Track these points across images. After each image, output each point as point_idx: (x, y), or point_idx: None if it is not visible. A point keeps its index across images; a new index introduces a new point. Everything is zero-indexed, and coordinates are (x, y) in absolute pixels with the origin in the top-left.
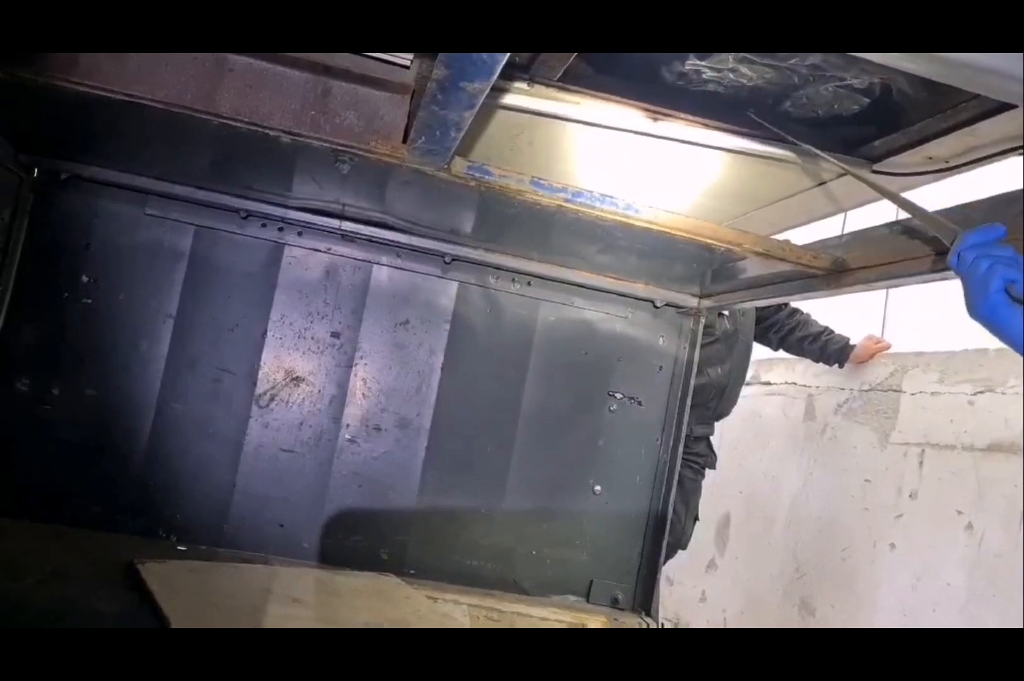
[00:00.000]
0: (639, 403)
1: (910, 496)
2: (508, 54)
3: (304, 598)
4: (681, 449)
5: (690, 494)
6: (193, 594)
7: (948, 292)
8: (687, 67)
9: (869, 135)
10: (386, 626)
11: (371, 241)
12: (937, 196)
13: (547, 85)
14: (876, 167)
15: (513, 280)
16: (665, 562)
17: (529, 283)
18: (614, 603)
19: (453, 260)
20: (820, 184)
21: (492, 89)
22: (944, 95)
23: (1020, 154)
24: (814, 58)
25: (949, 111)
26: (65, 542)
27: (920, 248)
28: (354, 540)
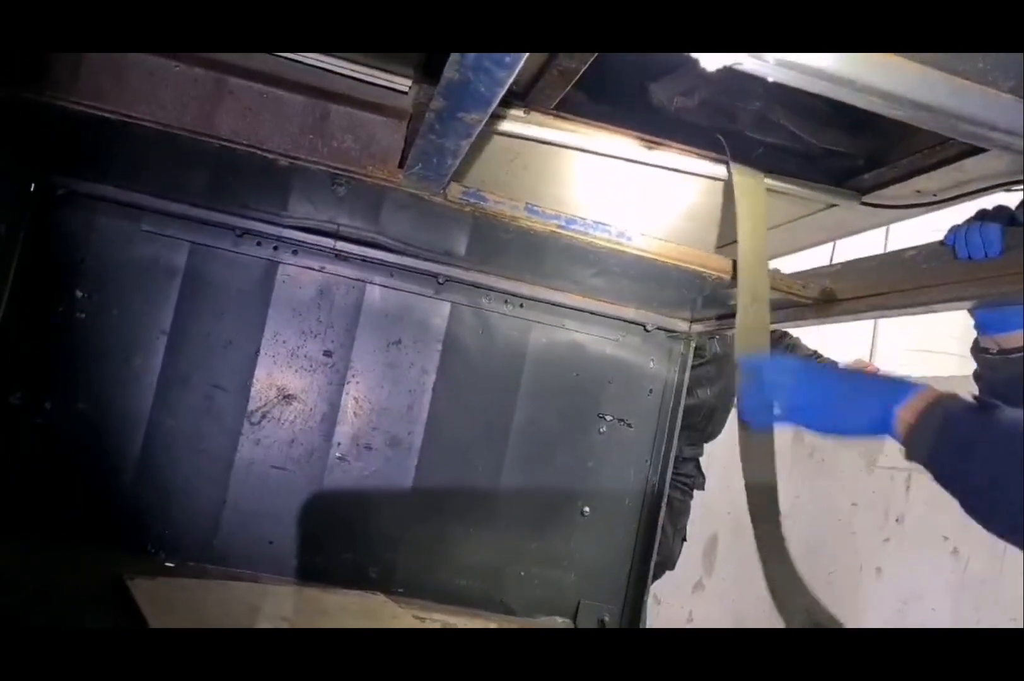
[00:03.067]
0: (629, 425)
1: (897, 520)
2: (506, 87)
3: (292, 617)
4: (670, 472)
5: (678, 514)
6: (182, 612)
7: (937, 319)
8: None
9: (858, 168)
10: None
11: (365, 261)
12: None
13: (543, 113)
14: (865, 199)
15: (506, 301)
16: (653, 582)
17: (521, 305)
18: (601, 624)
19: (446, 281)
20: (812, 213)
21: (489, 116)
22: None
23: (1006, 190)
24: None
25: (937, 147)
26: (53, 557)
27: (907, 280)
28: (343, 558)
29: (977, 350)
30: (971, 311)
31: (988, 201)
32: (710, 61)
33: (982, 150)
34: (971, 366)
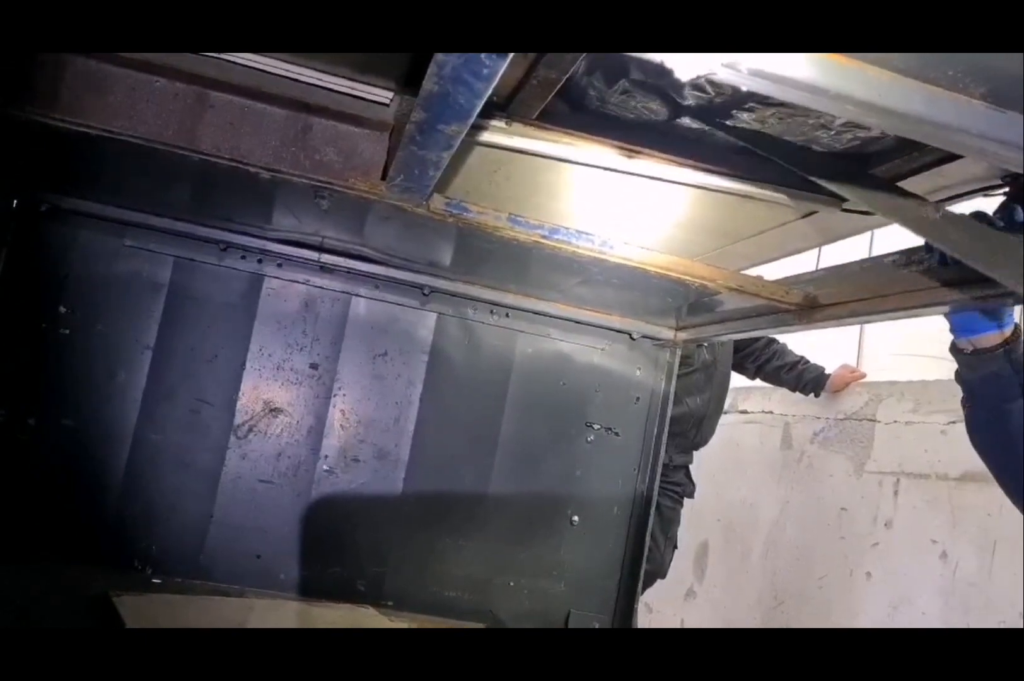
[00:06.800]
0: (616, 434)
1: (885, 525)
2: (485, 98)
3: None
4: (658, 480)
5: (669, 523)
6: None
7: (922, 323)
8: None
9: (840, 174)
10: None
11: (350, 273)
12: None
13: (525, 123)
14: (846, 206)
15: (491, 312)
16: (644, 591)
17: (507, 315)
18: None
19: (431, 292)
20: (794, 220)
21: (471, 127)
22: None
23: (985, 195)
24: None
25: (916, 153)
26: (39, 574)
27: (889, 286)
28: (331, 571)
29: (954, 351)
30: (946, 315)
31: (968, 206)
32: (683, 70)
33: (960, 156)
34: (953, 369)
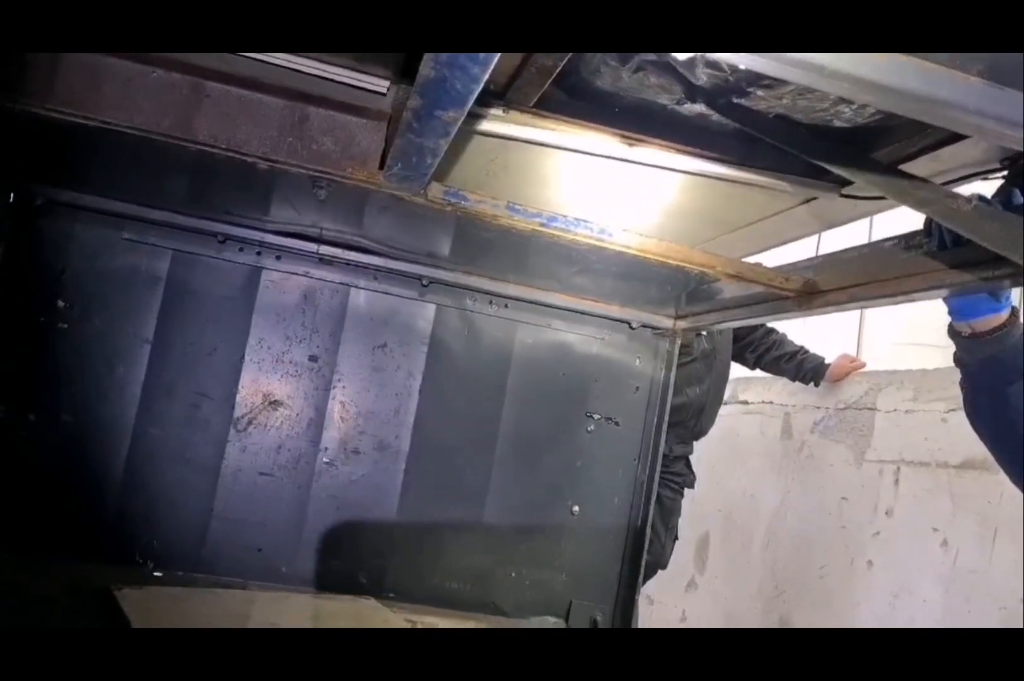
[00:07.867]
0: (616, 424)
1: (886, 513)
2: (482, 84)
3: (282, 623)
4: (659, 469)
5: (669, 514)
6: (171, 621)
7: (921, 311)
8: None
9: (845, 158)
10: None
11: (349, 264)
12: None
13: (522, 111)
14: (845, 191)
15: (490, 302)
16: (645, 582)
17: (506, 305)
18: (593, 624)
19: (430, 283)
20: (793, 207)
21: (468, 115)
22: (910, 121)
23: (983, 179)
24: None
25: (915, 137)
26: (40, 569)
27: (888, 270)
28: (333, 564)
29: (952, 334)
30: (944, 298)
31: (965, 190)
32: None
33: (958, 139)
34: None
